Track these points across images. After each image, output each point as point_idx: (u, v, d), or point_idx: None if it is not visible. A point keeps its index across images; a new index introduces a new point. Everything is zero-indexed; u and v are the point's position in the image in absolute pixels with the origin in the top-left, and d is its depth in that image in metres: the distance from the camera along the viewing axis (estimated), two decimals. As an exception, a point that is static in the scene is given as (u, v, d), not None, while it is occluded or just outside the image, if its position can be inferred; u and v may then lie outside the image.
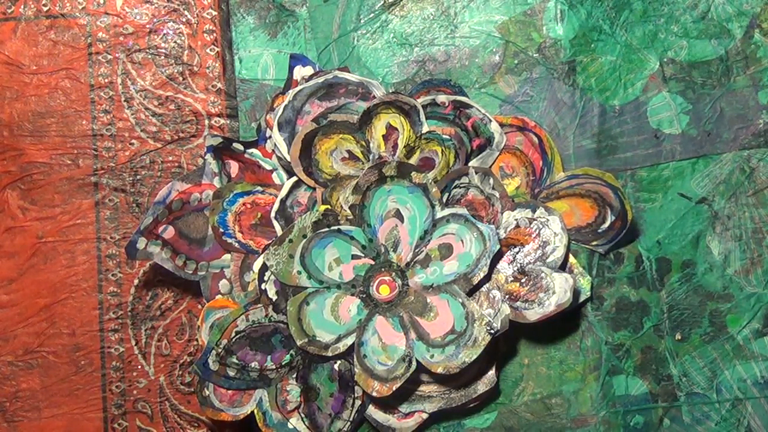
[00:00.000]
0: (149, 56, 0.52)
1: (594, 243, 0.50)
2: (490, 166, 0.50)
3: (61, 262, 0.51)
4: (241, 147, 0.50)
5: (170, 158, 0.51)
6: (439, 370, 0.45)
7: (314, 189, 0.49)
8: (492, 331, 0.45)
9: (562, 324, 0.50)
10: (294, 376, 0.48)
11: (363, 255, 0.47)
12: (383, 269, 0.47)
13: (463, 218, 0.47)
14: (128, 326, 0.51)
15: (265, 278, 0.47)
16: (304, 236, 0.47)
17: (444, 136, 0.49)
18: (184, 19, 0.52)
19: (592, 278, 0.50)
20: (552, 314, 0.46)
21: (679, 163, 0.51)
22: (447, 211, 0.47)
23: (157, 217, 0.48)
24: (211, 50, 0.52)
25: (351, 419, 0.48)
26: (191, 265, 0.49)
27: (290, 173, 0.49)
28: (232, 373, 0.47)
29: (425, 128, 0.49)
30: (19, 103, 0.52)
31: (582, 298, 0.50)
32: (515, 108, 0.52)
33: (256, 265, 0.48)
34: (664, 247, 0.51)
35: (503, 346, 0.50)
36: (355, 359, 0.46)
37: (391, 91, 0.51)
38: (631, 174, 0.51)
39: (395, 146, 0.49)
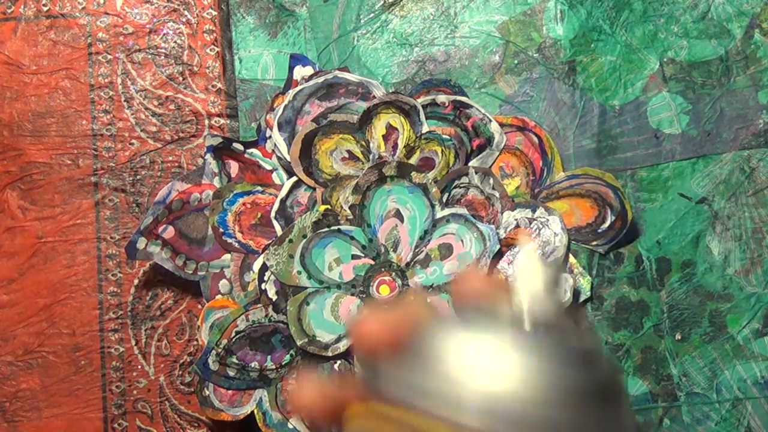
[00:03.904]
0: (149, 56, 0.52)
1: (594, 243, 0.50)
2: (490, 166, 0.50)
3: (61, 262, 0.51)
4: (241, 147, 0.50)
5: (170, 158, 0.51)
6: (439, 370, 0.45)
7: (314, 189, 0.49)
8: (492, 331, 0.45)
9: (562, 324, 0.50)
10: (294, 376, 0.48)
11: (363, 255, 0.47)
12: (383, 269, 0.47)
13: (463, 218, 0.47)
14: (128, 326, 0.51)
15: (265, 278, 0.47)
16: (304, 236, 0.47)
17: (444, 136, 0.49)
18: (184, 19, 0.52)
19: (592, 278, 0.50)
20: (552, 314, 0.46)
21: (679, 163, 0.51)
22: (447, 211, 0.47)
23: (157, 217, 0.48)
24: (211, 50, 0.52)
25: (351, 419, 0.48)
26: (191, 265, 0.49)
27: (290, 173, 0.49)
28: (232, 373, 0.47)
29: (425, 128, 0.49)
30: (19, 103, 0.52)
31: (582, 298, 0.50)
32: (515, 108, 0.52)
33: (256, 265, 0.48)
34: (664, 247, 0.51)
35: (503, 346, 0.50)
36: (355, 359, 0.46)
37: (391, 91, 0.51)
38: (631, 174, 0.51)
39: (395, 146, 0.49)
